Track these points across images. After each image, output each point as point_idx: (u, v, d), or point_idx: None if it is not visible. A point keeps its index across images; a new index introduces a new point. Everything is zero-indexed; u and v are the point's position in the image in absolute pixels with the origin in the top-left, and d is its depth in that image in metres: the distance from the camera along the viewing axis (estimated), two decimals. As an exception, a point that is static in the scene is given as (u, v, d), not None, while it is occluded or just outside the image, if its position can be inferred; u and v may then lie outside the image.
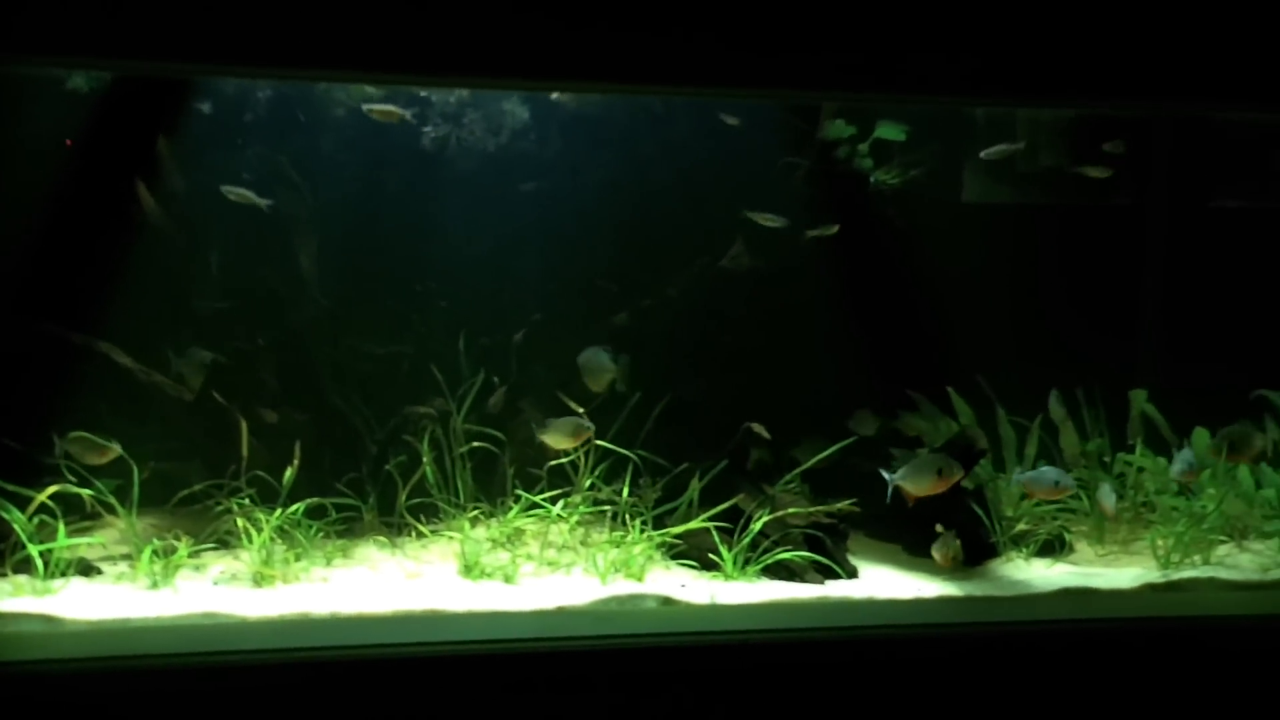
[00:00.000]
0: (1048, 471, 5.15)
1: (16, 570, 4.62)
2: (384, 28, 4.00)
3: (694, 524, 5.12)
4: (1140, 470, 5.75)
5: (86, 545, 4.82)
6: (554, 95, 6.03)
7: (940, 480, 4.92)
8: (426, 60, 4.10)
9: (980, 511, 5.33)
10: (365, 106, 5.65)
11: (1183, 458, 5.21)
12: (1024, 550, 5.40)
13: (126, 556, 4.89)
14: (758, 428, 5.48)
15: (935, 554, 5.05)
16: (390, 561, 5.17)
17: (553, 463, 5.43)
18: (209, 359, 5.47)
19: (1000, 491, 5.57)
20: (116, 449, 4.99)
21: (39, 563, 4.59)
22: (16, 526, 4.62)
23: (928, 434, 5.93)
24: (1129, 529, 5.67)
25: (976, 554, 5.31)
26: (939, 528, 5.30)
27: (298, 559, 4.93)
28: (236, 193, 5.58)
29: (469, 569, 4.97)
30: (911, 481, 4.91)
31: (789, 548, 5.01)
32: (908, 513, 5.36)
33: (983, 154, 5.99)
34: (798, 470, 5.41)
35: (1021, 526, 5.45)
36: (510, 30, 4.04)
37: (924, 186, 6.33)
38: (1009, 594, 4.95)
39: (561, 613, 4.59)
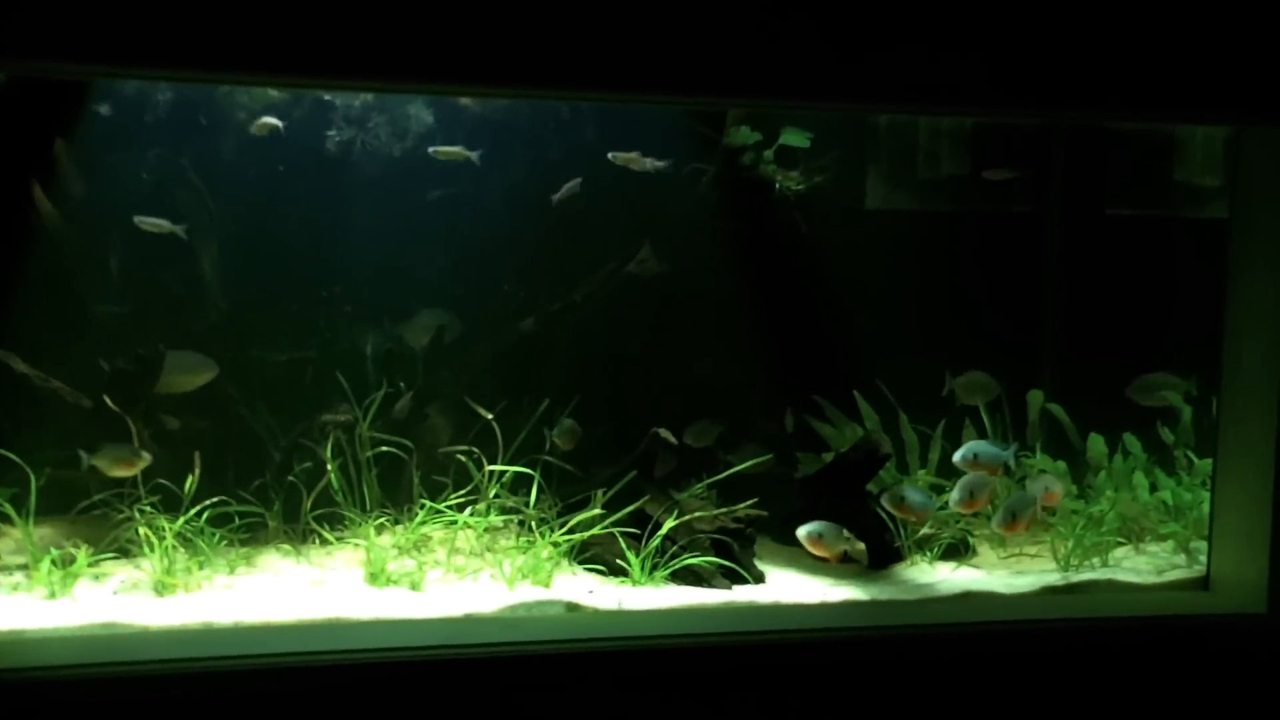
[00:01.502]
0: (912, 493, 5.22)
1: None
2: (288, 28, 3.96)
3: (598, 529, 5.13)
4: (1041, 473, 5.83)
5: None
6: (461, 100, 6.00)
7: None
8: (331, 63, 4.05)
9: (885, 515, 5.37)
10: (258, 122, 5.62)
11: (964, 484, 5.20)
12: (928, 554, 5.47)
13: (23, 566, 4.79)
14: (665, 433, 5.50)
15: (819, 550, 5.08)
16: (295, 569, 5.12)
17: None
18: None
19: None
20: (147, 458, 5.00)
21: (-69, 574, 4.50)
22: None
23: (833, 439, 5.99)
24: (1030, 532, 5.75)
25: (882, 558, 5.37)
26: (844, 532, 5.35)
27: (200, 567, 4.86)
28: (150, 223, 5.50)
29: (374, 576, 4.93)
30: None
31: (696, 553, 5.04)
32: (816, 517, 5.42)
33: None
34: (716, 479, 5.45)
35: (925, 530, 5.50)
36: (427, 30, 4.01)
37: (828, 193, 6.37)
38: (913, 597, 5.01)
39: (469, 619, 4.58)
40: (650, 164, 5.88)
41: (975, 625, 4.76)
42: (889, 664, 4.55)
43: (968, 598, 5.01)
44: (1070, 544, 5.47)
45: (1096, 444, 5.99)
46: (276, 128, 5.66)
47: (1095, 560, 5.47)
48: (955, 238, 6.72)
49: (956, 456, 5.25)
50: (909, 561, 5.43)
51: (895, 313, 6.37)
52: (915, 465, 5.88)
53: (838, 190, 6.42)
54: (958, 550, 5.53)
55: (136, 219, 5.52)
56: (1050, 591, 5.12)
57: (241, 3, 3.89)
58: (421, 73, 4.12)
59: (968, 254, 6.71)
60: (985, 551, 5.68)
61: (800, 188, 6.30)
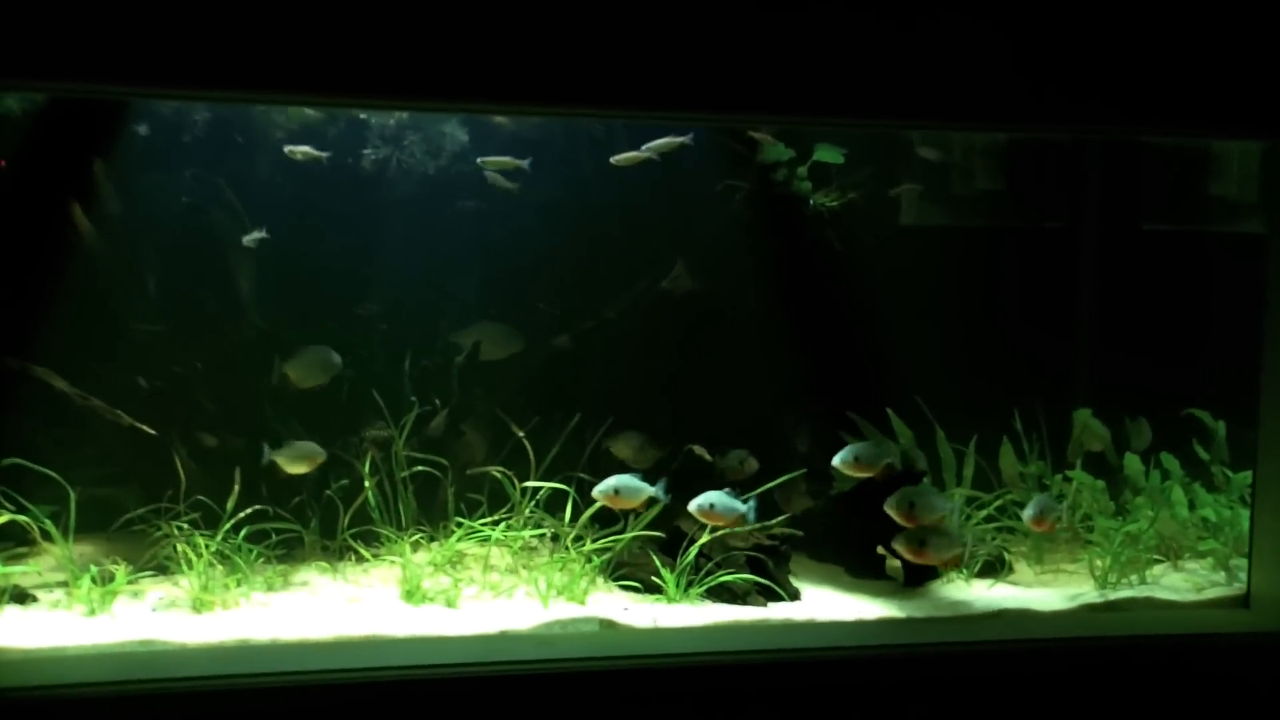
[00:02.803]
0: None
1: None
2: (326, 49, 3.99)
3: (628, 540, 5.17)
4: (1079, 490, 5.80)
5: (21, 573, 4.75)
6: (495, 119, 6.02)
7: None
8: (363, 82, 4.09)
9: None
10: (286, 149, 5.64)
11: (1037, 502, 5.19)
12: (964, 571, 5.44)
13: (63, 584, 4.82)
14: (699, 450, 5.50)
15: (713, 520, 5.01)
16: (331, 586, 5.13)
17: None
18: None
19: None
20: (323, 455, 5.15)
21: (-28, 591, 4.53)
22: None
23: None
24: (1068, 549, 5.73)
25: (918, 575, 5.35)
26: (880, 550, 5.35)
27: (238, 584, 4.88)
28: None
29: (410, 594, 4.94)
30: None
31: (731, 570, 5.03)
32: (849, 535, 5.41)
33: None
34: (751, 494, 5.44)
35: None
36: (464, 52, 4.04)
37: (862, 209, 6.36)
38: (950, 614, 4.99)
39: (504, 636, 4.59)
40: (665, 144, 5.84)
41: (1012, 643, 4.75)
42: (926, 682, 4.54)
43: (1004, 615, 4.99)
44: (1108, 561, 5.44)
45: (1133, 463, 5.95)
46: (319, 159, 5.69)
47: (1133, 577, 5.44)
48: (990, 253, 6.70)
49: (836, 460, 5.15)
50: (945, 579, 5.40)
51: (929, 329, 6.35)
52: (951, 481, 5.85)
53: (872, 206, 6.41)
54: (994, 567, 5.50)
55: (245, 239, 5.64)
56: (1088, 609, 5.09)
57: (280, 24, 3.93)
58: (455, 91, 4.16)
59: (1002, 269, 6.69)
60: (1022, 569, 5.65)
61: (834, 204, 6.29)
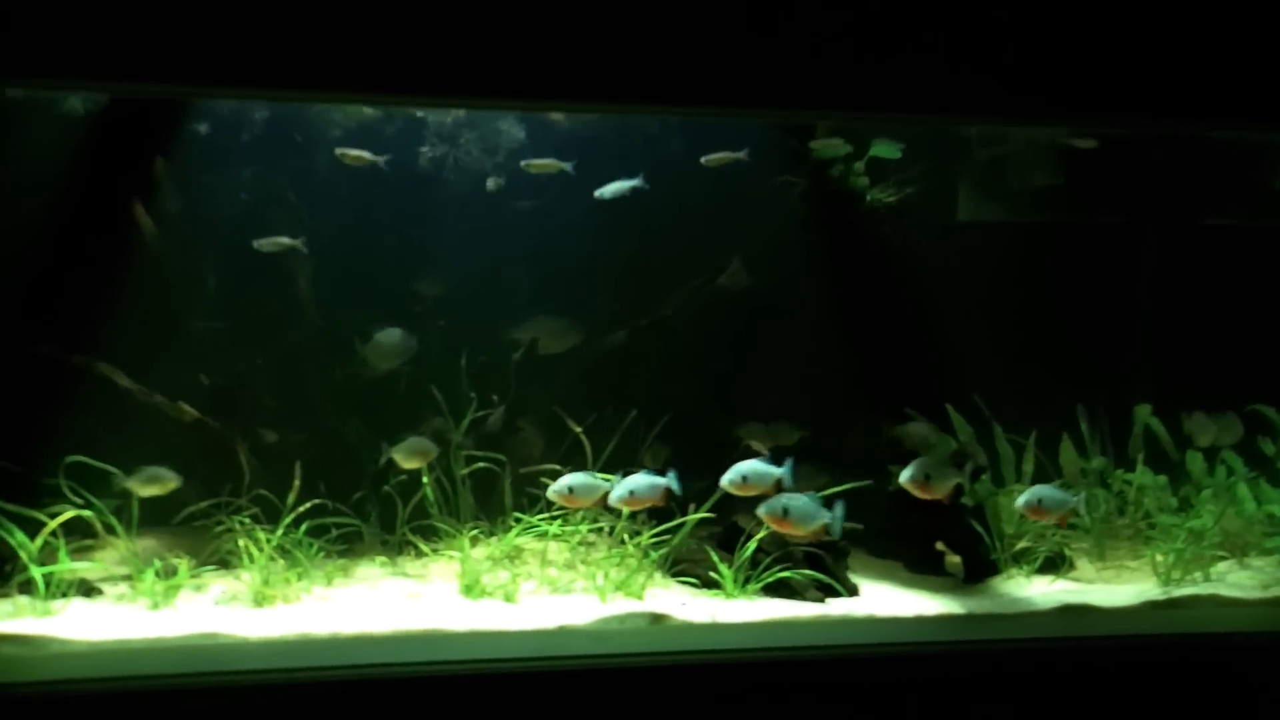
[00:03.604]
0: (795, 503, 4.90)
1: (20, 591, 4.61)
2: (380, 48, 4.01)
3: (685, 539, 5.15)
4: (1140, 488, 5.75)
5: (87, 566, 4.80)
6: (552, 116, 6.04)
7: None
8: (422, 81, 4.11)
9: (980, 528, 5.32)
10: (338, 151, 5.67)
11: (1034, 492, 5.09)
12: (1025, 567, 5.40)
13: (127, 577, 4.88)
14: (756, 445, 5.49)
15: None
16: (390, 581, 5.16)
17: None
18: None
19: (1000, 508, 5.55)
20: (436, 450, 5.34)
21: (40, 584, 4.58)
22: (20, 548, 4.60)
23: (925, 451, 5.93)
24: (1130, 546, 5.67)
25: (978, 571, 5.32)
26: (939, 545, 5.32)
27: (298, 578, 4.92)
28: (272, 243, 5.62)
29: (469, 588, 4.96)
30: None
31: (789, 565, 5.01)
32: (908, 530, 5.38)
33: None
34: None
35: (1023, 544, 5.43)
36: (521, 49, 4.05)
37: (919, 204, 6.32)
38: (1010, 611, 4.95)
39: (562, 631, 4.59)
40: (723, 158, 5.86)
41: (1073, 640, 4.70)
42: (986, 679, 4.50)
43: (1066, 612, 4.94)
44: (1170, 558, 5.38)
45: (1195, 461, 5.88)
46: (374, 162, 5.72)
47: (1197, 574, 5.38)
48: (1049, 249, 6.64)
49: (724, 480, 4.95)
50: (1005, 575, 5.36)
51: (987, 325, 6.30)
52: (1010, 477, 5.81)
53: (929, 202, 6.37)
54: (1055, 564, 5.45)
55: (255, 242, 5.64)
56: (1151, 606, 5.04)
57: (339, 24, 3.96)
58: (511, 89, 4.17)
59: (1061, 265, 6.63)
60: (1084, 565, 5.60)
61: (890, 199, 6.26)
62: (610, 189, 5.84)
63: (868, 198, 6.26)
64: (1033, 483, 5.65)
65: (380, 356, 5.63)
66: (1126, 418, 6.11)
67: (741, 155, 5.83)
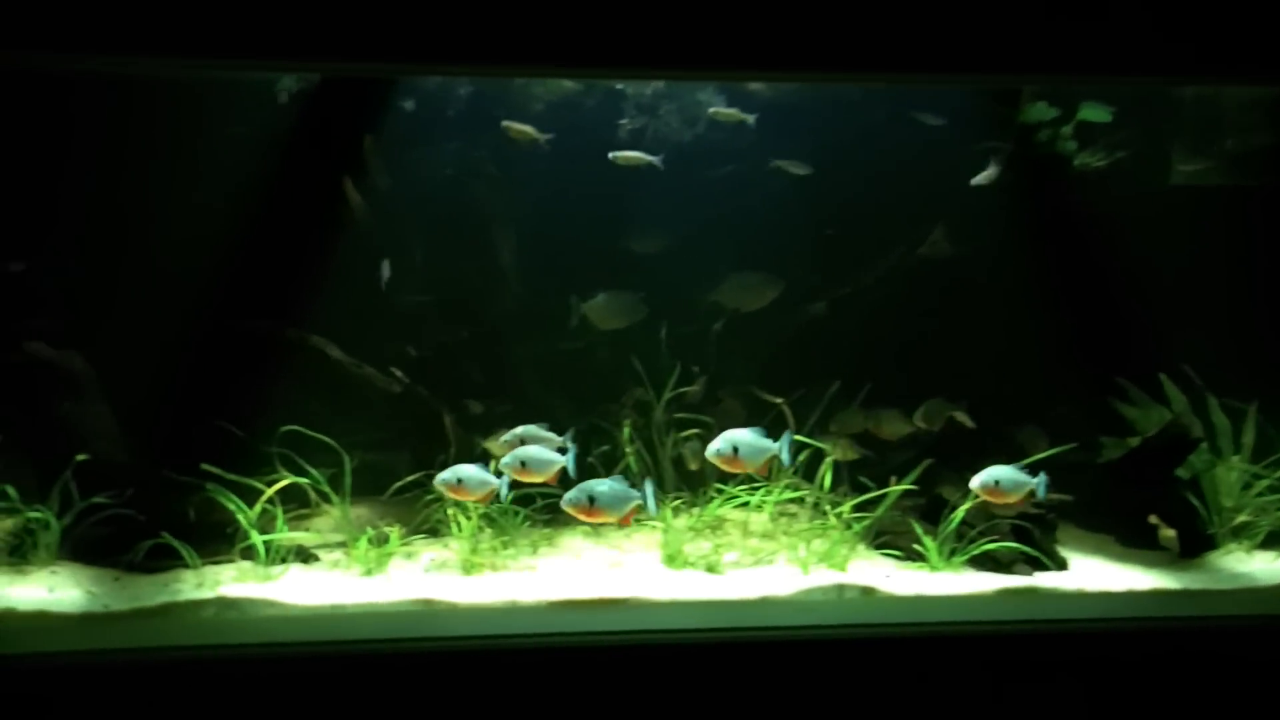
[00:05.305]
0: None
1: (243, 556, 4.79)
2: (579, 22, 4.04)
3: (887, 511, 5.10)
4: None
5: (305, 536, 4.96)
6: (750, 85, 6.01)
7: None
8: (620, 53, 4.12)
9: (1196, 502, 5.15)
10: (503, 124, 5.73)
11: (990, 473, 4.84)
12: (1245, 542, 5.20)
13: (341, 544, 5.02)
14: (961, 416, 5.40)
15: None
16: (594, 550, 5.22)
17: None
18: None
19: (1218, 481, 5.35)
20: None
21: (261, 550, 4.75)
22: (240, 516, 4.78)
23: (1138, 422, 5.75)
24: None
25: (1194, 545, 5.15)
26: (1153, 519, 5.16)
27: (505, 547, 5.00)
28: (627, 157, 5.77)
29: (671, 558, 4.99)
30: None
31: (995, 538, 4.92)
32: (1119, 504, 5.24)
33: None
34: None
35: (1243, 518, 5.24)
36: (728, 20, 4.05)
37: (1130, 169, 6.13)
38: (1229, 587, 4.79)
39: (765, 602, 4.59)
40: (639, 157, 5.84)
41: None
42: (1202, 656, 4.35)
43: (1289, 588, 4.77)
44: None
45: None
46: (536, 139, 5.76)
47: None
48: (1270, 213, 6.37)
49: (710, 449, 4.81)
50: (1224, 550, 5.18)
51: (1201, 291, 6.07)
52: (1228, 450, 5.59)
53: (1140, 166, 6.17)
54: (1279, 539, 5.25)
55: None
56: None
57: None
58: (713, 60, 4.16)
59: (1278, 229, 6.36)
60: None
61: (1100, 163, 6.08)
62: (623, 154, 5.84)
63: (1076, 162, 6.09)
64: (1254, 456, 5.45)
65: (603, 317, 5.65)
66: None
67: (749, 119, 5.86)
